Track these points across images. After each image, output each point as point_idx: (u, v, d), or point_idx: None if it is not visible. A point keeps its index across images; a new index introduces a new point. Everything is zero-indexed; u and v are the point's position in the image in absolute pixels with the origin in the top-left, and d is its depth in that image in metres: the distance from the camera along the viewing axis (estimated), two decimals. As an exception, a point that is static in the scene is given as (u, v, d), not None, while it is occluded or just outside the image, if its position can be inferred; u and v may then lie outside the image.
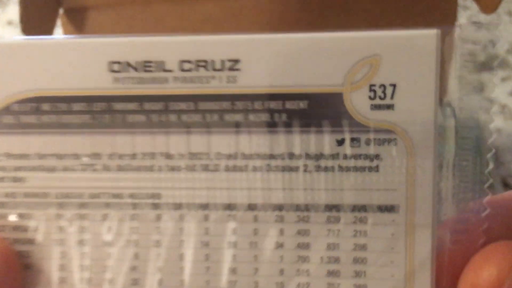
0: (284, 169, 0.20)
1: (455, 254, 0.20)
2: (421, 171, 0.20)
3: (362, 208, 0.20)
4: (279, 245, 0.21)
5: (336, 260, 0.21)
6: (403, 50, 0.20)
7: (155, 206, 0.21)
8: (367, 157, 0.20)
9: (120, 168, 0.21)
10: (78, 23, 0.42)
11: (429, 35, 0.20)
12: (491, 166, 0.20)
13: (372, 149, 0.20)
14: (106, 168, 0.21)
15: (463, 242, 0.20)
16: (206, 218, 0.21)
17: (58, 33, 0.44)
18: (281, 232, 0.21)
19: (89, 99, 0.21)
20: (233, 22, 0.37)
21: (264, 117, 0.20)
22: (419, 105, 0.20)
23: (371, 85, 0.20)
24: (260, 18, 0.37)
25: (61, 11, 0.43)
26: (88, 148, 0.21)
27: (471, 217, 0.20)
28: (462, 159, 0.20)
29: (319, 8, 0.37)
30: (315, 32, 0.20)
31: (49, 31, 0.42)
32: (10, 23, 0.67)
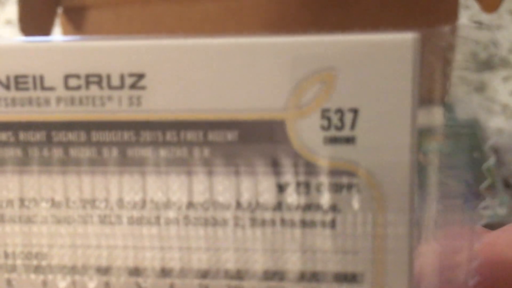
0: (207, 222, 0.15)
1: None
2: (393, 228, 0.14)
3: (313, 276, 0.14)
4: (203, 324, 0.15)
5: None
6: (367, 62, 0.14)
7: (39, 269, 0.15)
8: (319, 208, 0.14)
9: None
10: (77, 22, 0.41)
11: (403, 40, 0.14)
12: (488, 162, 0.14)
13: (326, 198, 0.14)
14: None
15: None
16: (106, 286, 0.15)
17: (57, 33, 0.44)
18: (205, 306, 0.15)
19: None
20: (232, 22, 0.36)
21: (180, 152, 0.14)
22: (389, 138, 0.14)
23: (324, 110, 0.14)
24: (260, 17, 0.35)
25: (60, 10, 0.42)
26: None
27: (459, 266, 0.14)
28: (449, 215, 0.14)
29: (319, 7, 0.35)
30: (248, 37, 0.14)
31: (47, 30, 0.41)
32: (8, 22, 0.62)
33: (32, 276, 0.16)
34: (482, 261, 0.14)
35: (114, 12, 0.40)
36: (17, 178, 0.15)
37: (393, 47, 0.14)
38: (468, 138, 0.15)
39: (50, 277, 0.16)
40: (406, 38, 0.14)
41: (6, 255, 0.16)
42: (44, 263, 0.16)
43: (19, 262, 0.16)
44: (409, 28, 0.14)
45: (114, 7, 0.40)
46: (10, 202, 0.15)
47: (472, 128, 0.15)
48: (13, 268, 0.16)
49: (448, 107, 0.15)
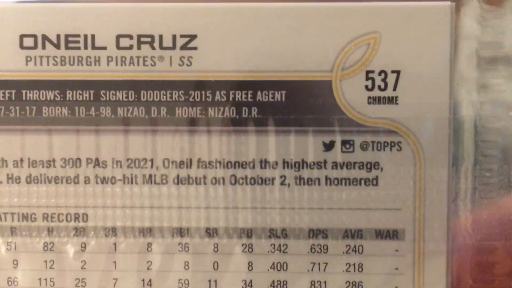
0: (255, 181, 0.14)
1: (474, 255, 0.14)
2: (432, 184, 0.14)
3: (357, 233, 0.14)
4: (247, 284, 0.14)
5: (322, 303, 0.14)
6: (408, 26, 0.14)
7: (79, 231, 0.14)
8: (363, 166, 0.14)
9: (32, 179, 0.14)
10: None
11: (442, 8, 0.14)
12: None
13: (370, 156, 0.14)
14: (12, 179, 0.14)
15: (487, 284, 0.14)
16: (148, 247, 0.14)
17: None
18: (250, 266, 0.14)
19: (-10, 85, 0.14)
20: None
21: (229, 112, 0.14)
22: (429, 97, 0.14)
23: (368, 72, 0.14)
24: None
25: None
26: (-14, 151, 0.14)
27: (497, 248, 0.14)
28: (485, 169, 0.14)
29: None
30: (297, 1, 0.14)
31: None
32: None
33: (71, 239, 0.15)
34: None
35: None
36: (62, 137, 0.15)
37: (432, 14, 0.14)
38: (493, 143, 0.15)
39: (89, 239, 0.15)
40: (445, 5, 0.14)
41: (45, 218, 0.15)
42: (84, 225, 0.15)
43: (57, 224, 0.15)
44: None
45: None
46: (52, 162, 0.15)
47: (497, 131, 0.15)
48: (51, 231, 0.15)
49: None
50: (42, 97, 0.15)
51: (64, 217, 0.15)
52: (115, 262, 0.15)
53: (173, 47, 0.15)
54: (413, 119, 0.15)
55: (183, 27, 0.15)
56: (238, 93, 0.15)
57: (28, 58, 0.15)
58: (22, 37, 0.15)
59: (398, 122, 0.15)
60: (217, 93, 0.15)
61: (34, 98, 0.15)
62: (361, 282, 0.15)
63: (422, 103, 0.15)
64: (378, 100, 0.15)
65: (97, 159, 0.15)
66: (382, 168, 0.15)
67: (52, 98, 0.15)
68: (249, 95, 0.15)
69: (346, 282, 0.15)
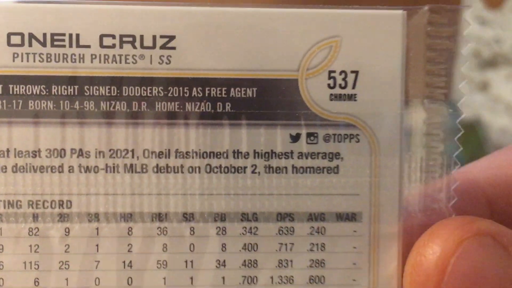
0: (228, 170, 0.16)
1: (422, 232, 0.16)
2: (386, 171, 0.16)
3: (320, 216, 0.16)
4: (221, 264, 0.16)
5: (289, 280, 0.16)
6: (366, 31, 0.16)
7: (63, 217, 0.15)
8: (325, 156, 0.16)
9: (17, 168, 0.15)
10: None
11: (394, 16, 0.16)
12: (458, 165, 0.16)
13: (331, 147, 0.16)
14: None
15: (431, 217, 0.16)
16: (129, 231, 0.15)
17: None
18: (223, 247, 0.16)
19: (-21, 79, 0.15)
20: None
21: (204, 106, 0.15)
22: (383, 95, 0.16)
23: (330, 72, 0.16)
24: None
25: None
26: (-25, 141, 0.15)
27: (439, 190, 0.16)
28: (430, 158, 0.16)
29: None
30: (267, 6, 0.16)
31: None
32: None
33: (55, 224, 0.16)
34: (460, 184, 0.16)
35: None
36: (47, 129, 0.15)
37: (386, 20, 0.16)
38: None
39: (73, 225, 0.16)
40: (397, 13, 0.16)
41: (30, 205, 0.16)
42: (68, 211, 0.16)
43: (43, 211, 0.16)
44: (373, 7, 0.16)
45: None
46: (37, 152, 0.15)
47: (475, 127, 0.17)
48: (36, 217, 0.15)
49: (451, 105, 0.17)
50: (29, 92, 0.16)
51: (49, 204, 0.16)
52: (97, 245, 0.16)
53: (153, 46, 0.16)
54: (369, 114, 0.16)
55: (162, 28, 0.16)
56: (213, 90, 0.16)
57: (15, 55, 0.16)
58: (9, 35, 0.16)
59: (357, 117, 0.16)
60: (194, 89, 0.16)
61: (21, 92, 0.16)
62: (324, 260, 0.16)
63: (378, 100, 0.16)
64: (339, 97, 0.16)
65: (81, 150, 0.16)
66: (342, 158, 0.16)
67: (38, 92, 0.16)
68: (223, 92, 0.16)
69: (310, 260, 0.16)
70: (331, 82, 0.16)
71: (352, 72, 0.16)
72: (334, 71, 0.16)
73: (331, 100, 0.16)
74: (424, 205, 0.17)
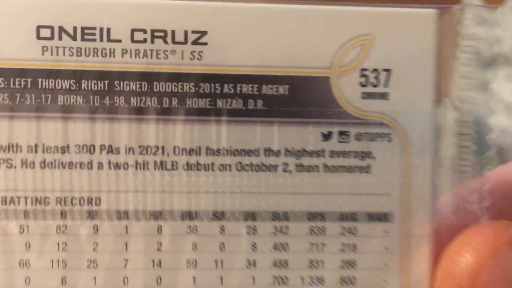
0: (259, 168, 0.15)
1: (454, 233, 0.15)
2: (418, 171, 0.16)
3: (351, 216, 0.15)
4: (251, 264, 0.15)
5: (320, 280, 0.15)
6: (398, 30, 0.15)
7: (92, 214, 0.15)
8: (357, 154, 0.15)
9: (46, 164, 0.15)
10: None
11: (426, 14, 0.15)
12: (492, 165, 0.16)
13: (363, 146, 0.15)
14: (26, 164, 0.15)
15: (463, 218, 0.15)
16: (159, 230, 0.15)
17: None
18: (254, 247, 0.15)
19: (9, 73, 0.14)
20: None
21: (236, 103, 0.15)
22: (415, 94, 0.15)
23: (363, 70, 0.15)
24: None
25: None
26: (4, 137, 0.14)
27: (472, 191, 0.15)
28: (462, 158, 0.16)
29: None
30: (300, 3, 0.15)
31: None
32: None
33: (84, 222, 0.15)
34: (494, 185, 0.16)
35: None
36: (76, 124, 0.15)
37: (418, 19, 0.16)
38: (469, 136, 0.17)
39: (102, 222, 0.15)
40: (429, 12, 0.16)
41: (58, 201, 0.15)
42: (96, 208, 0.15)
43: (71, 208, 0.15)
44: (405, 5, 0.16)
45: None
46: (67, 148, 0.15)
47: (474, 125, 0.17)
48: (64, 214, 0.15)
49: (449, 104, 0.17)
50: (58, 86, 0.15)
51: (77, 201, 0.15)
52: (126, 243, 0.16)
53: (185, 42, 0.16)
54: (401, 113, 0.16)
55: (194, 24, 0.16)
56: (245, 86, 0.16)
57: (45, 48, 0.15)
58: (39, 28, 0.15)
59: (389, 116, 0.16)
60: (225, 85, 0.16)
61: (50, 87, 0.15)
62: (355, 261, 0.16)
63: (410, 99, 0.16)
64: (371, 96, 0.16)
65: (110, 146, 0.15)
66: (374, 157, 0.16)
67: (67, 87, 0.15)
68: (255, 88, 0.16)
69: (341, 261, 0.16)
70: (363, 80, 0.16)
71: (384, 70, 0.16)
72: (366, 69, 0.16)
73: (363, 98, 0.16)
74: (456, 206, 0.17)
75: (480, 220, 0.16)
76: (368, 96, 0.16)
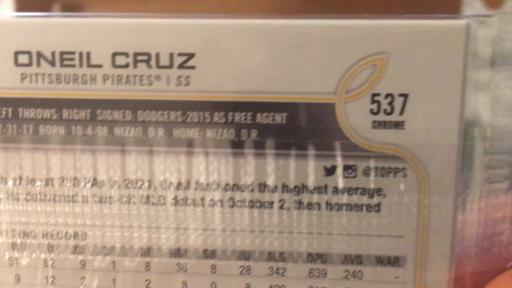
0: (253, 204, 0.12)
1: (478, 278, 0.11)
2: (437, 212, 0.11)
3: (357, 259, 0.12)
4: (244, 306, 0.12)
5: (320, 327, 0.12)
6: (418, 47, 0.11)
7: (78, 249, 0.12)
8: (365, 191, 0.11)
9: (30, 198, 0.12)
10: None
11: (455, 26, 0.11)
12: None
13: (372, 182, 0.11)
14: (12, 197, 0.12)
15: (489, 262, 0.11)
16: (147, 267, 0.12)
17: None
18: (247, 288, 0.12)
19: (-15, 103, 0.12)
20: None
21: (227, 133, 0.11)
22: (438, 123, 0.11)
23: (374, 95, 0.11)
24: (260, 13, 0.29)
25: (58, 7, 0.36)
26: (-17, 170, 0.12)
27: (500, 232, 0.11)
28: (496, 158, 0.11)
29: (323, 3, 0.30)
30: (301, 18, 0.11)
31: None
32: None
33: (71, 256, 0.12)
34: None
35: (111, 9, 0.33)
36: (59, 156, 0.12)
37: (445, 33, 0.11)
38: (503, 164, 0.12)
39: (89, 257, 0.12)
40: (459, 24, 0.11)
41: (44, 235, 0.12)
42: (83, 243, 0.12)
43: (57, 242, 0.12)
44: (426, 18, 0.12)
45: (112, 4, 0.33)
46: (50, 181, 0.12)
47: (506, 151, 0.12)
48: (51, 248, 0.12)
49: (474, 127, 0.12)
50: (39, 116, 0.12)
51: (63, 235, 0.13)
52: (114, 280, 0.13)
53: (170, 66, 0.12)
54: (420, 146, 0.12)
55: (180, 45, 0.12)
56: (238, 115, 0.12)
57: (23, 75, 0.12)
58: (17, 53, 0.12)
59: (404, 148, 0.12)
60: (216, 114, 0.12)
61: (31, 117, 0.12)
62: (360, 308, 0.12)
63: (430, 129, 0.12)
64: (383, 125, 0.12)
65: (94, 179, 0.12)
66: (385, 195, 0.12)
67: (48, 116, 0.12)
68: (249, 117, 0.12)
69: (344, 307, 0.12)
70: (374, 107, 0.12)
71: (401, 95, 0.12)
72: (378, 94, 0.12)
73: (373, 128, 0.12)
74: (481, 249, 0.12)
75: (507, 265, 0.12)
76: (379, 125, 0.12)
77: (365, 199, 0.12)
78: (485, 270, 0.12)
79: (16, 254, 0.12)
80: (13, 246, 0.12)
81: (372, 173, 0.12)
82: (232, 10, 0.31)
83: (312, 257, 0.12)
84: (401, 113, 0.12)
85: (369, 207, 0.12)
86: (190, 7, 0.32)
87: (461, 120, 0.11)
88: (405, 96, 0.11)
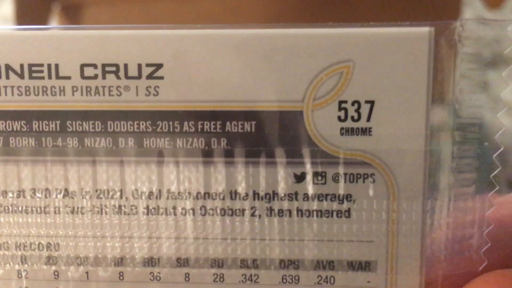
0: (225, 212, 0.12)
1: (450, 281, 0.11)
2: (406, 217, 0.11)
3: (328, 265, 0.12)
4: (218, 313, 0.12)
5: (293, 333, 0.12)
6: (383, 54, 0.11)
7: (51, 260, 0.12)
8: (335, 198, 0.12)
9: (3, 209, 0.12)
10: (74, 20, 0.35)
11: (419, 34, 0.11)
12: (497, 168, 0.12)
13: (342, 188, 0.11)
14: None
15: (460, 265, 0.11)
16: (120, 276, 0.12)
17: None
18: (220, 295, 0.12)
19: (-46, 116, 0.12)
20: (231, 19, 0.30)
21: (197, 143, 0.11)
22: (405, 129, 0.11)
23: (341, 102, 0.11)
24: (258, 15, 0.30)
25: (56, 8, 0.36)
26: (-47, 183, 0.12)
27: (470, 233, 0.11)
28: (463, 163, 0.11)
29: (321, 4, 0.30)
30: (268, 28, 0.11)
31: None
32: (5, 19, 0.54)
33: (44, 267, 0.12)
34: (493, 228, 0.12)
35: (111, 9, 0.34)
36: (30, 168, 0.12)
37: (409, 40, 0.11)
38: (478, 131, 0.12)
39: (62, 268, 0.12)
40: (422, 31, 0.11)
41: (17, 246, 0.12)
42: (56, 254, 0.12)
43: (30, 253, 0.12)
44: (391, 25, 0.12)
45: (112, 5, 0.34)
46: (22, 192, 0.12)
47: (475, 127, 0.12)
48: (24, 259, 0.12)
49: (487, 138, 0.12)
50: (9, 128, 0.12)
51: (36, 246, 0.13)
52: (87, 290, 0.13)
53: (139, 76, 0.12)
54: (387, 151, 0.12)
55: (148, 56, 0.12)
56: (207, 124, 0.12)
57: (-7, 88, 0.12)
58: (-15, 66, 0.12)
59: (372, 154, 0.12)
60: (185, 123, 0.12)
61: (1, 129, 0.12)
62: (332, 313, 0.13)
63: (397, 135, 0.12)
64: (351, 131, 0.12)
65: (66, 190, 0.13)
66: (354, 200, 0.12)
67: (18, 128, 0.12)
68: (218, 126, 0.12)
69: (317, 312, 0.13)
70: (341, 114, 0.12)
71: (367, 102, 0.12)
72: (345, 101, 0.12)
73: (341, 134, 0.12)
74: (451, 252, 0.12)
75: (478, 269, 0.12)
76: (347, 132, 0.12)
77: (335, 205, 0.12)
78: (456, 274, 0.12)
79: (-11, 267, 0.12)
80: (-14, 258, 0.12)
81: (342, 179, 0.12)
82: (229, 10, 0.30)
83: (285, 264, 0.12)
84: (368, 119, 0.12)
85: (339, 213, 0.12)
86: (190, 7, 0.32)
87: (427, 126, 0.12)
88: (371, 103, 0.12)
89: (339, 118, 0.12)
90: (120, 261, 0.12)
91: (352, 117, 0.12)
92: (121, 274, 0.12)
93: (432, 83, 0.12)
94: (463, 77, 0.11)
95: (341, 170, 0.12)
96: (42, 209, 0.12)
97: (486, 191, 0.12)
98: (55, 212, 0.12)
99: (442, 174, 0.12)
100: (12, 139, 0.12)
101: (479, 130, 0.12)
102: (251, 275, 0.12)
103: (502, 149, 0.11)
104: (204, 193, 0.12)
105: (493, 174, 0.12)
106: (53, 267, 0.12)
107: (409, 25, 0.11)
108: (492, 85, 0.12)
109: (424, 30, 0.11)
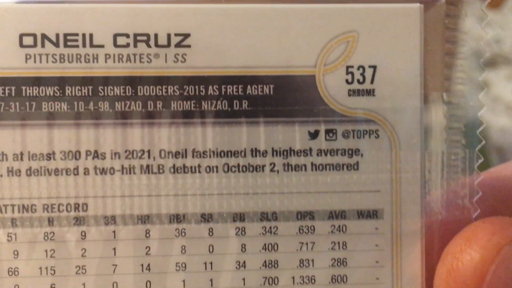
0: (246, 169, 0.13)
1: (446, 229, 0.13)
2: (407, 167, 0.13)
3: (341, 214, 0.13)
4: (241, 265, 0.13)
5: (311, 279, 0.13)
6: (383, 26, 0.13)
7: (79, 220, 0.12)
8: (345, 152, 0.13)
9: (32, 172, 0.12)
10: None
11: (411, 9, 0.13)
12: (481, 159, 0.13)
13: (351, 143, 0.13)
14: (12, 172, 0.12)
15: (455, 215, 0.13)
16: (147, 234, 0.13)
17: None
18: (243, 248, 0.13)
19: (-10, 81, 0.12)
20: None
21: (221, 105, 0.13)
22: (402, 90, 0.13)
23: (348, 67, 0.13)
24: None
25: None
26: (-14, 145, 0.12)
27: (463, 186, 0.13)
28: (452, 153, 0.13)
29: None
30: (283, 3, 0.13)
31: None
32: None
33: (71, 228, 0.13)
34: (483, 179, 0.13)
35: None
36: (62, 131, 0.13)
37: (403, 14, 0.13)
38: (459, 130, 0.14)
39: (89, 228, 0.13)
40: (415, 7, 0.13)
41: (45, 209, 0.13)
42: (84, 214, 0.13)
43: (58, 214, 0.13)
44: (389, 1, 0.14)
45: None
46: (52, 155, 0.13)
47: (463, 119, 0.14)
48: (51, 221, 0.13)
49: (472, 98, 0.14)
50: (42, 93, 0.13)
51: (64, 207, 0.13)
52: (114, 249, 0.13)
53: (168, 45, 0.13)
54: (388, 109, 0.14)
55: (177, 26, 0.13)
56: (230, 87, 0.13)
57: (28, 56, 0.13)
58: (21, 36, 0.13)
59: (376, 112, 0.14)
60: (210, 87, 0.13)
61: (34, 94, 0.13)
62: (345, 259, 0.14)
63: (397, 95, 0.14)
64: (357, 93, 0.14)
65: (96, 151, 0.13)
66: (362, 154, 0.14)
67: (51, 93, 0.13)
68: (240, 89, 0.13)
69: (332, 259, 0.14)
70: (349, 77, 0.14)
71: (370, 67, 0.14)
72: (352, 66, 0.14)
73: (349, 95, 0.14)
74: (447, 200, 0.14)
75: (472, 216, 0.14)
76: (354, 93, 0.14)
77: (345, 159, 0.13)
78: (453, 220, 0.14)
79: (15, 230, 0.13)
80: (13, 221, 0.13)
81: (350, 135, 0.13)
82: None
83: (301, 215, 0.13)
84: (372, 82, 0.13)
85: (349, 166, 0.13)
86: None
87: (421, 86, 0.13)
88: (374, 67, 0.13)
89: (346, 81, 0.13)
90: (146, 219, 0.13)
91: (358, 80, 0.13)
92: (147, 231, 0.13)
93: (424, 51, 0.14)
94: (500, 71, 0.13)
95: (349, 127, 0.13)
96: (72, 170, 0.13)
97: (474, 146, 0.14)
98: (84, 174, 0.13)
99: (435, 130, 0.14)
100: (44, 104, 0.13)
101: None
102: (270, 227, 0.13)
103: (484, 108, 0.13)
104: (227, 151, 0.13)
105: (479, 147, 0.13)
106: (81, 227, 0.13)
107: (404, 2, 0.14)
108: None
109: (415, 6, 0.13)
